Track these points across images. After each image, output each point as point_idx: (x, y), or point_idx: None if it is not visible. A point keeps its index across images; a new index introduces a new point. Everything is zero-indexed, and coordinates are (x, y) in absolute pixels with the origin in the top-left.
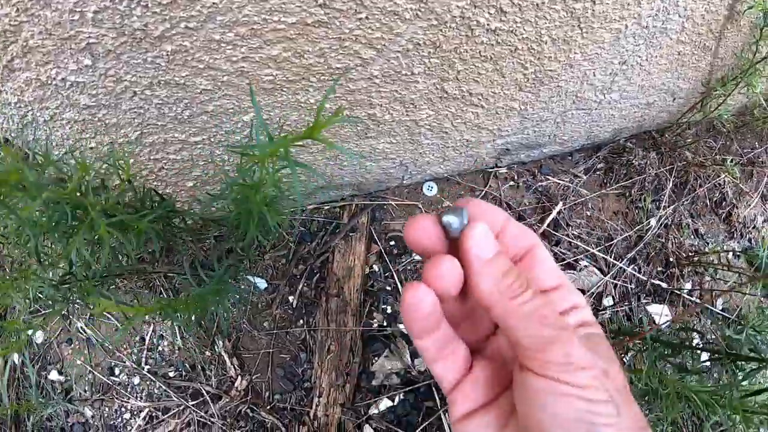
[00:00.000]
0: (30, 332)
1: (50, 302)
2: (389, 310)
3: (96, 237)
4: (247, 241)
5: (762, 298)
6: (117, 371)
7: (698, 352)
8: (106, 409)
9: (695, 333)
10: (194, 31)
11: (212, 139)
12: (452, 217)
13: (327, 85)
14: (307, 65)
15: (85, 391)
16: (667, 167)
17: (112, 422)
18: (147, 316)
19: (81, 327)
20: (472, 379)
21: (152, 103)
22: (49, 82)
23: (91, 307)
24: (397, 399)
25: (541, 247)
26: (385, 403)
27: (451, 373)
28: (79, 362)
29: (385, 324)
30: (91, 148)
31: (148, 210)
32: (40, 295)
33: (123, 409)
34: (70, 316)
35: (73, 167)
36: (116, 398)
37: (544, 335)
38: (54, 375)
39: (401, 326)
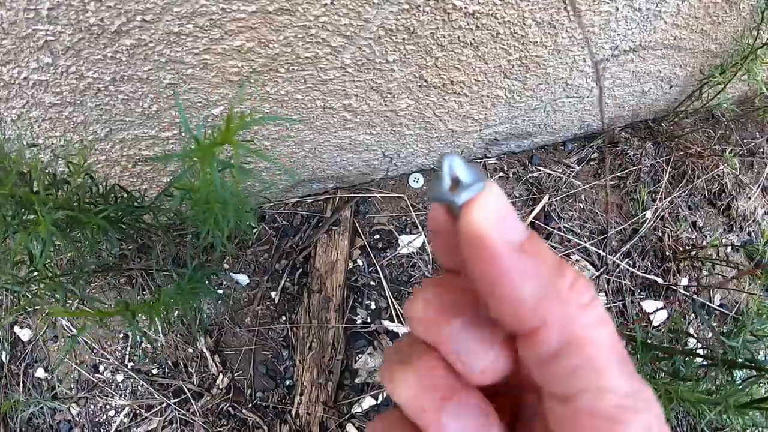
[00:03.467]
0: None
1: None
2: (373, 306)
3: (42, 233)
4: (207, 239)
5: (762, 297)
6: (101, 368)
7: (692, 358)
8: (92, 406)
9: (690, 337)
10: (152, 24)
11: (184, 134)
12: (462, 169)
13: (297, 76)
14: (274, 55)
15: (71, 389)
16: (664, 158)
17: (97, 419)
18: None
19: (66, 324)
20: None
21: (118, 98)
22: (12, 81)
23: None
24: (380, 397)
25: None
26: (368, 402)
27: None
28: (64, 359)
29: (368, 320)
30: (62, 146)
31: (107, 206)
32: (7, 292)
33: (108, 407)
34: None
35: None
36: (100, 396)
37: (633, 388)
38: (40, 372)
39: (385, 323)
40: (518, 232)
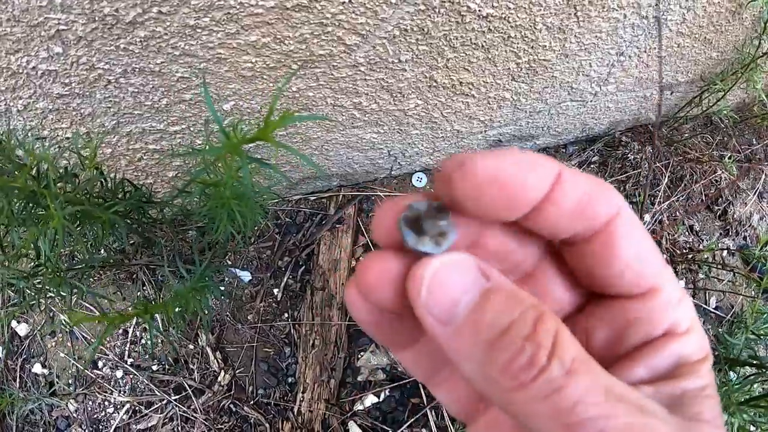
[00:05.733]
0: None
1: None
2: None
3: (54, 228)
4: (219, 234)
5: (763, 301)
6: (100, 364)
7: None
8: (90, 402)
9: None
10: (168, 16)
11: (192, 129)
12: (410, 234)
13: (310, 73)
14: (288, 52)
15: (69, 385)
16: (663, 162)
17: (95, 416)
18: (128, 308)
19: (64, 319)
20: (491, 422)
21: (127, 91)
22: (21, 71)
23: (65, 319)
24: (382, 395)
25: (625, 224)
26: (370, 399)
27: (455, 404)
28: (62, 355)
29: None
30: (68, 138)
31: (117, 200)
32: (10, 287)
33: (107, 403)
34: (53, 308)
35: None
36: (99, 392)
37: None
38: (37, 368)
39: None
40: (455, 309)
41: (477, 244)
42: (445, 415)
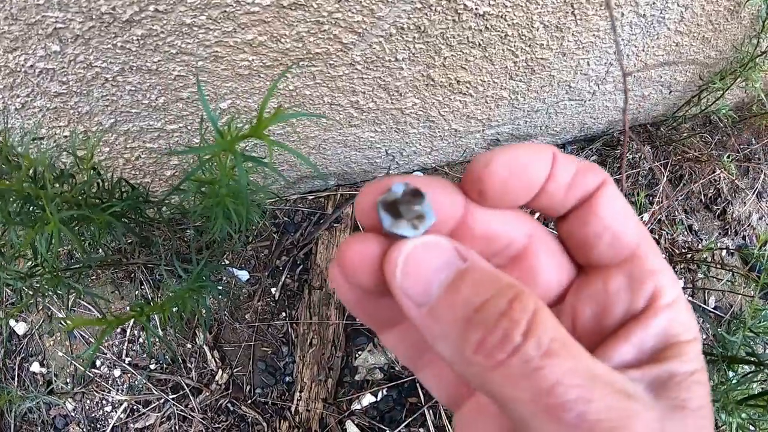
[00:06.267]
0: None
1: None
2: None
3: (51, 231)
4: (216, 233)
5: (761, 300)
6: (98, 363)
7: None
8: (88, 401)
9: None
10: (164, 15)
11: (189, 127)
12: (388, 218)
13: (306, 71)
14: (285, 50)
15: (67, 383)
16: (662, 161)
17: (93, 414)
18: (127, 304)
19: (62, 319)
20: (475, 407)
21: (125, 89)
22: (18, 69)
23: (64, 322)
24: (380, 394)
25: (608, 192)
26: (368, 399)
27: (440, 389)
28: (60, 354)
29: None
30: (65, 136)
31: (114, 201)
32: (8, 287)
33: (104, 402)
34: (51, 307)
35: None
36: (97, 391)
37: None
38: (35, 367)
39: None
40: (430, 290)
41: (463, 229)
42: (443, 413)
